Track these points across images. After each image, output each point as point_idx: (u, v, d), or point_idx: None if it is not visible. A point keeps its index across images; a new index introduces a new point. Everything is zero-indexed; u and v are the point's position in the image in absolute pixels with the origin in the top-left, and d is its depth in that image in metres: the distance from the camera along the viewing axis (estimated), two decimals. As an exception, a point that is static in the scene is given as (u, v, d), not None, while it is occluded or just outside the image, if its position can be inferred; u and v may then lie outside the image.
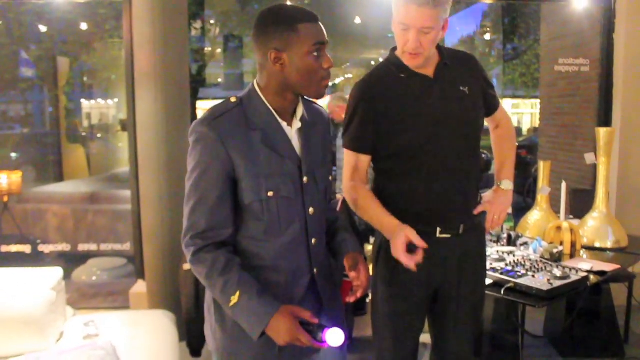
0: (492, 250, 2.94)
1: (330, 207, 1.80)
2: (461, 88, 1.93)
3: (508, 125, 2.18)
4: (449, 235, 1.94)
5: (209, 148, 1.50)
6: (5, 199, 4.80)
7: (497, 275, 2.58)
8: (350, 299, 1.63)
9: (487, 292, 2.46)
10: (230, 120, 1.53)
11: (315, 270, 1.65)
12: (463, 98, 1.93)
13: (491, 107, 2.09)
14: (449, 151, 1.91)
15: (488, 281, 2.57)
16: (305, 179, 1.60)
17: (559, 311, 3.69)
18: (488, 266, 2.68)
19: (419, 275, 1.84)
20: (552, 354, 3.60)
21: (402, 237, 1.74)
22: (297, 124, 1.62)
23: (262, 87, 1.58)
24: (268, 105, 1.57)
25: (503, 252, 2.91)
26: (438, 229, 1.93)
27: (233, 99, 1.58)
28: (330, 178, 1.74)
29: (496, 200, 2.06)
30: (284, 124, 1.59)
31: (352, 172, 1.98)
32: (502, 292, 2.47)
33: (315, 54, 1.50)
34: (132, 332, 2.81)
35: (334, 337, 1.43)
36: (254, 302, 1.47)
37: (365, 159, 1.98)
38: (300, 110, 1.63)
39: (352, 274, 1.63)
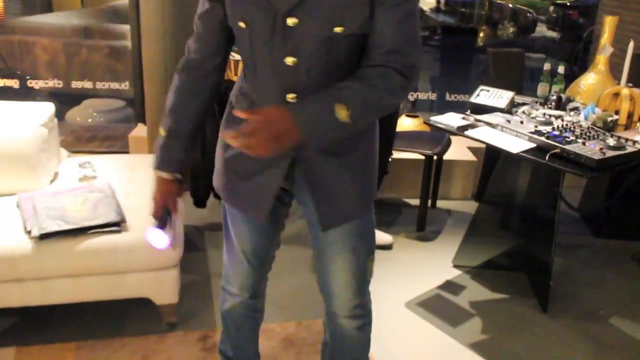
0: (538, 112, 2.83)
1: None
2: None
3: None
4: None
5: None
6: (-12, 26, 4.64)
7: (542, 139, 2.48)
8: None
9: (527, 156, 2.40)
10: None
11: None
12: None
13: None
14: None
15: (530, 144, 2.49)
16: (288, 20, 1.34)
17: (600, 187, 3.65)
18: (532, 128, 2.60)
19: None
20: (584, 232, 3.62)
21: None
22: None
23: None
24: None
25: (550, 116, 2.80)
26: None
27: None
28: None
29: None
30: None
31: None
32: (547, 158, 2.39)
33: None
34: (131, 175, 2.80)
35: (156, 237, 1.54)
36: (161, 143, 1.61)
37: None
38: None
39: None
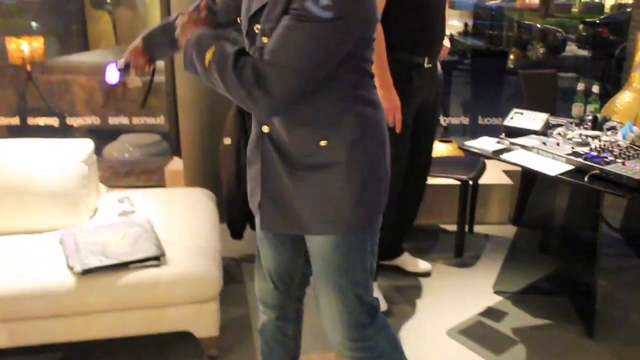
0: (574, 133, 2.79)
1: None
2: None
3: None
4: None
5: None
6: (29, 67, 4.78)
7: (581, 160, 2.45)
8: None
9: (565, 178, 2.37)
10: None
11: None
12: None
13: None
14: (442, 2, 2.66)
15: (568, 166, 2.46)
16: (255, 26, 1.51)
17: (642, 207, 3.58)
18: (569, 150, 2.57)
19: None
20: (628, 253, 3.53)
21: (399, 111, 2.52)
22: None
23: None
24: None
25: (587, 136, 2.76)
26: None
27: None
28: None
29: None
30: None
31: None
32: (586, 179, 2.35)
33: None
34: (169, 209, 2.83)
35: (111, 72, 1.83)
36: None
37: None
38: None
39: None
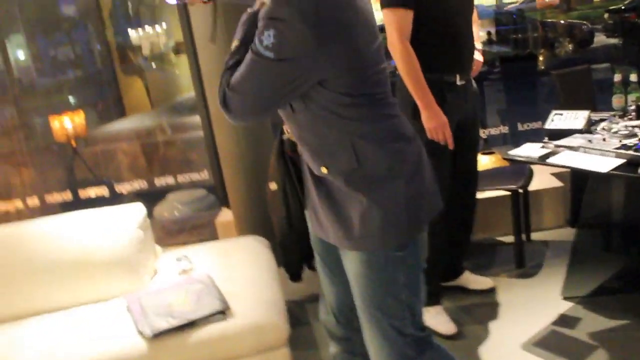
0: (619, 126, 2.74)
1: None
2: None
3: None
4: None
5: None
6: (73, 143, 4.96)
7: (631, 152, 2.40)
8: None
9: (618, 173, 2.33)
10: None
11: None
12: None
13: None
14: (467, 17, 2.65)
15: (619, 160, 2.41)
16: None
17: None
18: (617, 144, 2.52)
19: None
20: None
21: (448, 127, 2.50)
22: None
23: None
24: None
25: (633, 127, 2.71)
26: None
27: None
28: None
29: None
30: None
31: (402, 34, 2.43)
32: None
33: None
34: (226, 261, 2.87)
35: None
36: None
37: (411, 17, 2.44)
38: None
39: None
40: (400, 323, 1.66)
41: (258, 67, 1.44)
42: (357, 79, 1.49)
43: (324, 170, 1.59)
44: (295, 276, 3.20)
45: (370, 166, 1.55)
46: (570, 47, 7.91)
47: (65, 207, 4.68)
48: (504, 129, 4.70)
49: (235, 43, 1.54)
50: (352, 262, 1.65)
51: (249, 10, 1.57)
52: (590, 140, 2.65)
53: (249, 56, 1.45)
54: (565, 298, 2.96)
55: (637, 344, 2.54)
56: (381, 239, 1.58)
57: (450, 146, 2.54)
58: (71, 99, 6.68)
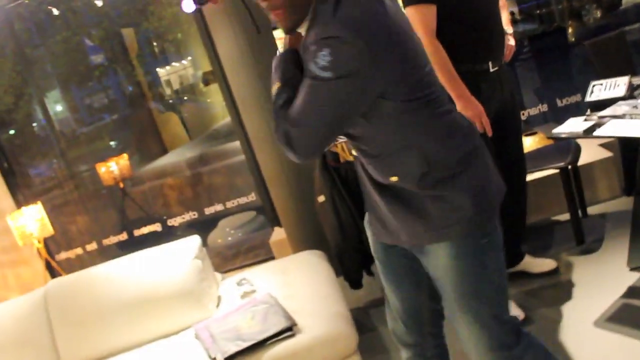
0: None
1: None
2: None
3: None
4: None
5: None
6: (121, 185, 5.10)
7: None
8: None
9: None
10: None
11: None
12: None
13: None
14: (493, 2, 2.63)
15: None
16: None
17: None
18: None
19: None
20: None
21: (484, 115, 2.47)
22: None
23: None
24: None
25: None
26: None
27: None
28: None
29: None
30: None
31: (428, 30, 2.45)
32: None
33: None
34: (285, 279, 2.90)
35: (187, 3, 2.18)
36: None
37: (434, 12, 2.46)
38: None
39: None
40: (498, 310, 1.66)
41: (317, 91, 1.43)
42: (412, 84, 1.50)
43: (393, 179, 1.58)
44: (355, 283, 3.23)
45: (441, 166, 1.55)
46: (599, 13, 7.74)
47: (122, 246, 4.81)
48: (543, 108, 4.63)
49: (276, 86, 1.53)
50: (438, 258, 1.63)
51: (278, 53, 1.58)
52: (635, 107, 2.59)
53: (305, 84, 1.45)
54: (632, 269, 2.89)
55: None
56: (467, 224, 1.59)
57: (489, 133, 2.52)
58: (112, 143, 6.87)
